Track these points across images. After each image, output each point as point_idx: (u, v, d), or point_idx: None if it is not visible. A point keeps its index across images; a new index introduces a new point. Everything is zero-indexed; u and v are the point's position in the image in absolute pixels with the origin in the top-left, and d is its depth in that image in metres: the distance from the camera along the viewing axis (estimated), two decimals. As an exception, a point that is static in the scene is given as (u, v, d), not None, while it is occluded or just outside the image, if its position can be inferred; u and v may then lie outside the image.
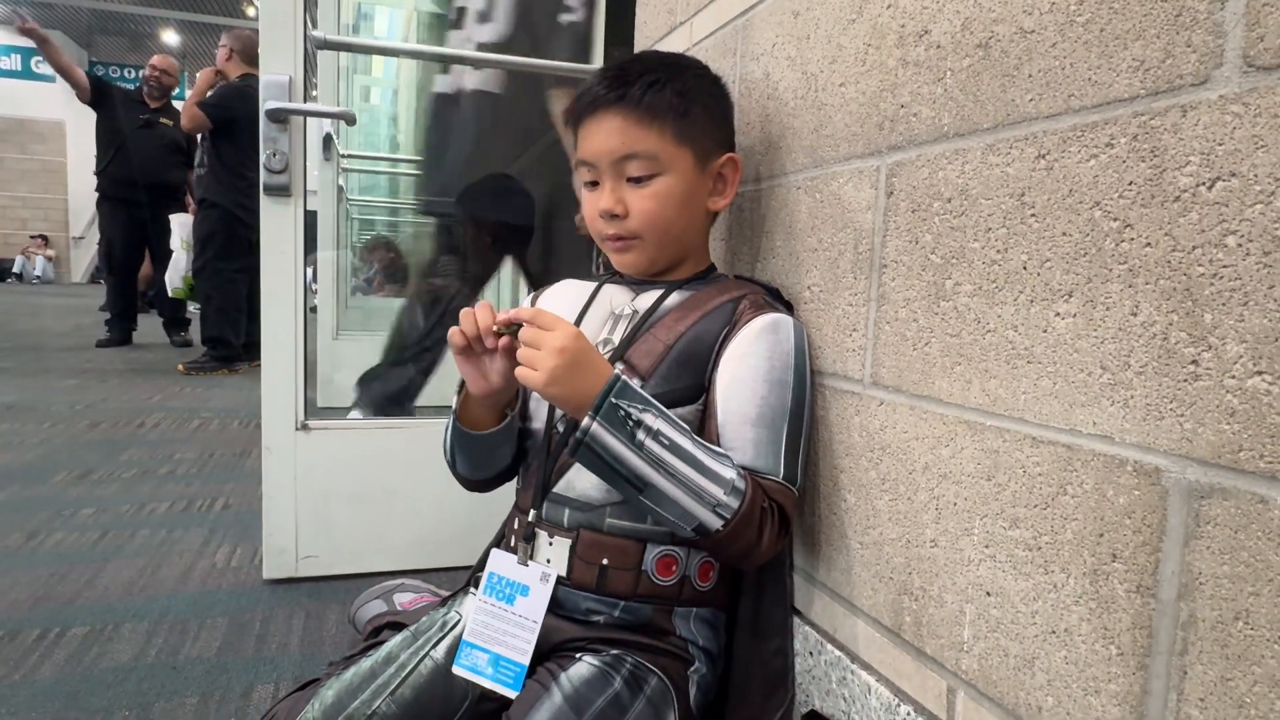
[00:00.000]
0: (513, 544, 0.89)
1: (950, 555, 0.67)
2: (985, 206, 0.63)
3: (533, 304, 1.03)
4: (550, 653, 0.85)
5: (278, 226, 1.41)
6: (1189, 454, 0.48)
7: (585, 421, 0.74)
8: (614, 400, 0.74)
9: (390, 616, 1.23)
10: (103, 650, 1.25)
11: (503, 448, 0.91)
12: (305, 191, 1.43)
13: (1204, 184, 0.47)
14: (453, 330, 0.81)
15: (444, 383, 2.86)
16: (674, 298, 0.91)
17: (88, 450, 2.50)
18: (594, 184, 0.90)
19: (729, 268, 1.06)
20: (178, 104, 4.45)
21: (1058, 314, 0.57)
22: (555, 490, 0.86)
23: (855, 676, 0.79)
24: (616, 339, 0.89)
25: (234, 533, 1.80)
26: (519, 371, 0.75)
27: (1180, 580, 0.48)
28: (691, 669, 0.86)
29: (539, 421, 0.91)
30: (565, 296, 0.99)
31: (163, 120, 4.73)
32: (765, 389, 0.83)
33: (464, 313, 0.81)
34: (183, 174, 4.86)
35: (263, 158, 1.38)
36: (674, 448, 0.76)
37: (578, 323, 0.94)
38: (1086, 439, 0.54)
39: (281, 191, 1.40)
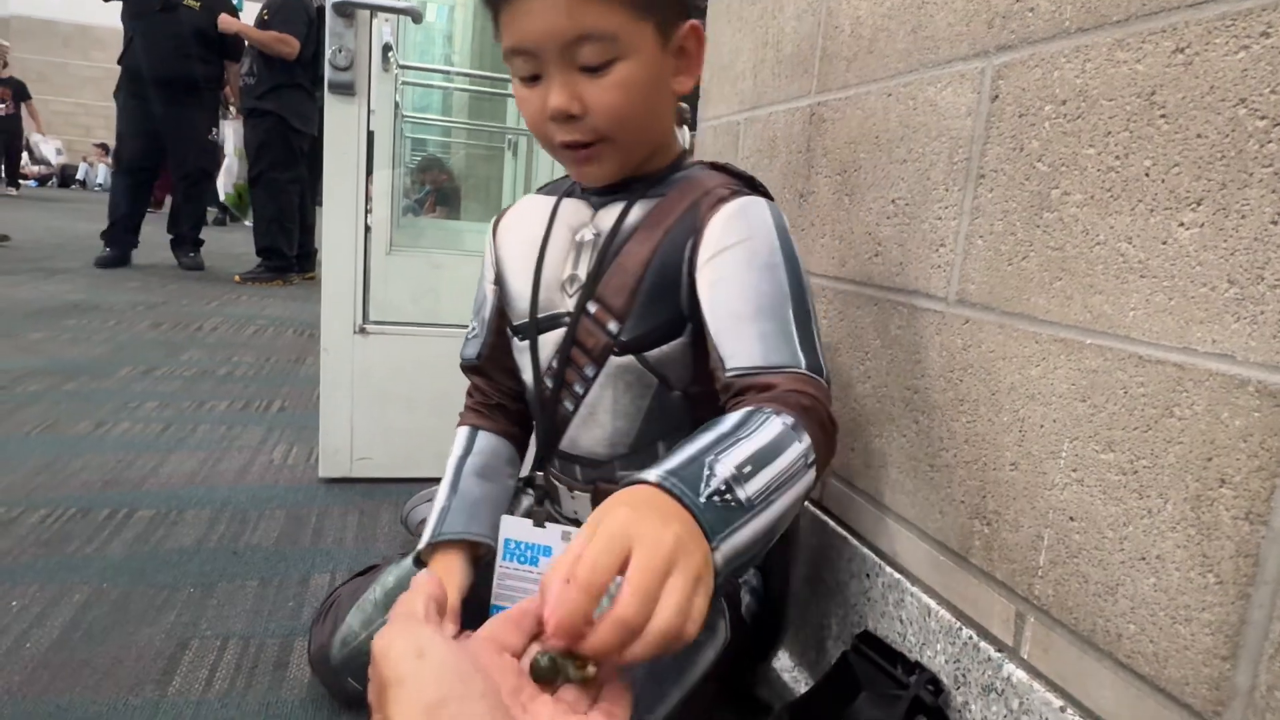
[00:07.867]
0: (536, 501, 0.92)
1: (1032, 479, 0.64)
2: (1106, 109, 0.59)
3: (494, 231, 0.93)
4: None
5: (342, 126, 1.39)
6: (1325, 374, 0.44)
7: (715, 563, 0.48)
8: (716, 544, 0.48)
9: (443, 517, 1.25)
10: (168, 533, 1.30)
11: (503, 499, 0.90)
12: (370, 92, 1.40)
13: (1379, 74, 0.42)
14: None
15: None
16: (636, 211, 0.80)
17: (150, 349, 2.57)
18: (534, 78, 0.73)
19: (806, 181, 1.02)
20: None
21: (1181, 224, 0.53)
22: (561, 448, 0.85)
23: (914, 599, 0.77)
24: (582, 273, 0.81)
25: (290, 433, 1.85)
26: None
27: (1298, 507, 0.45)
28: (742, 578, 0.86)
29: (527, 374, 0.86)
30: (524, 224, 0.89)
31: (187, 2, 4.04)
32: (755, 277, 0.71)
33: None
34: (210, 69, 4.20)
35: (328, 54, 1.35)
36: (755, 468, 0.54)
37: (540, 259, 0.83)
38: (1202, 358, 0.51)
39: (346, 90, 1.37)
